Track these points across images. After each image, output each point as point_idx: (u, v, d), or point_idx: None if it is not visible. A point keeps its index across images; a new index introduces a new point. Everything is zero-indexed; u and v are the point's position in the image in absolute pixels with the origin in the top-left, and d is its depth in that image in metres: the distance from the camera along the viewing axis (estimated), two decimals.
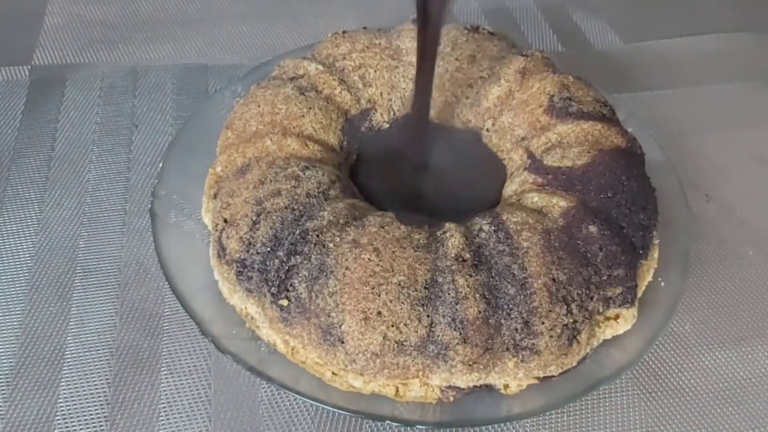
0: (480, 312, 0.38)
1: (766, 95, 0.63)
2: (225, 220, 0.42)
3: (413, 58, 0.51)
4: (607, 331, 0.42)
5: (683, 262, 0.45)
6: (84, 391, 0.41)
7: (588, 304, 0.39)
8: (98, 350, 0.43)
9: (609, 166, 0.44)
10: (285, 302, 0.39)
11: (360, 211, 0.42)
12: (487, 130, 0.50)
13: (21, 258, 0.47)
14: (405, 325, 0.37)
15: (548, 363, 0.39)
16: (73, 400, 0.40)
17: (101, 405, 0.40)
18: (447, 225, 0.41)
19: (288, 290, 0.39)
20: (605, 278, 0.40)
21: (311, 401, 0.38)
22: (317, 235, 0.39)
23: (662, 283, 0.44)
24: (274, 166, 0.43)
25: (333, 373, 0.40)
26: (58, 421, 0.40)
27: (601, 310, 0.41)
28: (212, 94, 0.56)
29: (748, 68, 0.66)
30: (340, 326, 0.38)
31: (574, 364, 0.41)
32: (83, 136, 0.55)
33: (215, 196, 0.44)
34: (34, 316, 0.44)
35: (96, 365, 0.42)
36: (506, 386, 0.40)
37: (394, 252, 0.38)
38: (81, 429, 0.39)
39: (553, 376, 0.40)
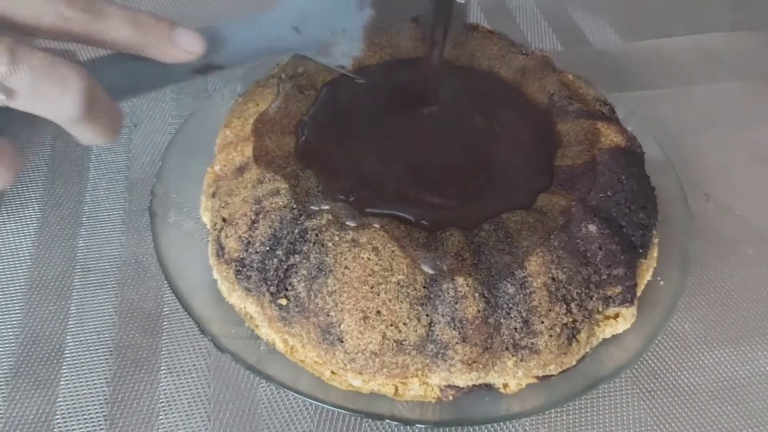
0: (479, 311, 0.38)
1: (765, 94, 0.63)
2: (224, 219, 0.42)
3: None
4: (607, 330, 0.42)
5: (683, 261, 0.45)
6: (83, 390, 0.41)
7: (587, 303, 0.39)
8: (97, 349, 0.43)
9: (608, 164, 0.44)
10: (284, 301, 0.39)
11: None
12: None
13: (20, 257, 0.47)
14: (404, 324, 0.37)
15: (548, 362, 0.39)
16: (73, 399, 0.40)
17: (100, 404, 0.40)
18: None
19: (287, 289, 0.39)
20: (605, 277, 0.40)
21: (310, 400, 0.38)
22: (316, 234, 0.39)
23: (661, 282, 0.44)
24: (273, 165, 0.43)
25: (332, 372, 0.40)
26: (57, 421, 0.40)
27: (600, 309, 0.41)
28: (211, 93, 0.56)
29: (747, 67, 0.66)
30: (339, 325, 0.38)
31: (574, 363, 0.41)
32: None
33: (214, 195, 0.44)
34: (33, 314, 0.44)
35: (95, 364, 0.42)
36: (505, 385, 0.40)
37: (393, 251, 0.38)
38: (80, 428, 0.39)
39: (552, 375, 0.40)
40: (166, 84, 0.38)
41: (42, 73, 0.30)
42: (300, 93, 0.47)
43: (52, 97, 0.31)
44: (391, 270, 0.38)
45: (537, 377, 0.40)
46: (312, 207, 0.40)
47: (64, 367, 0.42)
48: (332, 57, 0.44)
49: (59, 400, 0.40)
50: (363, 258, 0.38)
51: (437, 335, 0.37)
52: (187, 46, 0.35)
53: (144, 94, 0.40)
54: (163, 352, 0.43)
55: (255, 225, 0.40)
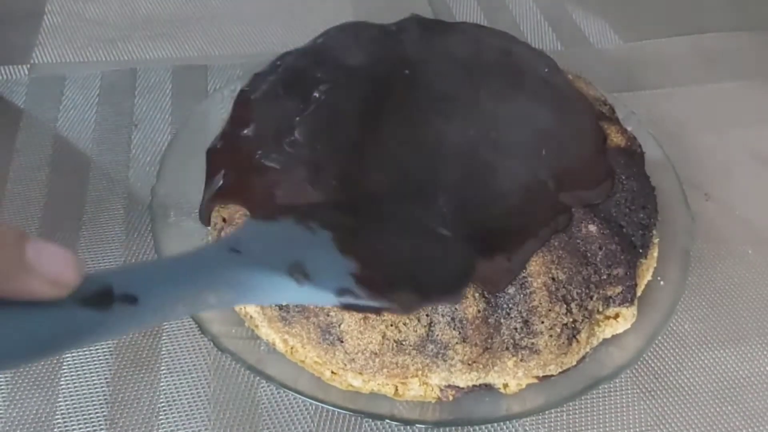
0: (479, 311, 0.38)
1: (765, 94, 0.63)
2: (224, 219, 0.42)
3: None
4: (607, 330, 0.42)
5: (683, 261, 0.45)
6: (83, 390, 0.41)
7: (587, 303, 0.39)
8: (97, 349, 0.42)
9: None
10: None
11: None
12: None
13: None
14: (404, 324, 0.37)
15: (548, 362, 0.39)
16: (73, 400, 0.40)
17: (101, 404, 0.40)
18: None
19: None
20: (605, 277, 0.40)
21: (310, 400, 0.38)
22: None
23: (662, 282, 0.44)
24: None
25: (332, 372, 0.40)
26: (57, 421, 0.39)
27: (600, 309, 0.41)
28: (211, 93, 0.56)
29: (747, 67, 0.66)
30: (339, 325, 0.38)
31: (574, 363, 0.40)
32: (82, 135, 0.55)
33: None
34: None
35: (95, 364, 0.42)
36: (505, 385, 0.40)
37: None
38: (80, 428, 0.39)
39: (552, 376, 0.40)
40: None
41: None
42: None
43: None
44: None
45: (537, 377, 0.40)
46: None
47: (64, 366, 0.42)
48: (322, 282, 0.28)
49: (59, 400, 0.40)
50: None
51: (437, 335, 0.37)
52: (52, 270, 0.21)
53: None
54: (163, 352, 0.43)
55: None
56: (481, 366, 0.38)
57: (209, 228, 0.44)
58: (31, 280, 0.20)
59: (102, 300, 0.22)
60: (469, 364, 0.38)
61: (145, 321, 0.23)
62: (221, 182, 0.41)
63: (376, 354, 0.37)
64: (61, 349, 0.22)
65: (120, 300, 0.22)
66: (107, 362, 0.42)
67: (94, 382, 0.41)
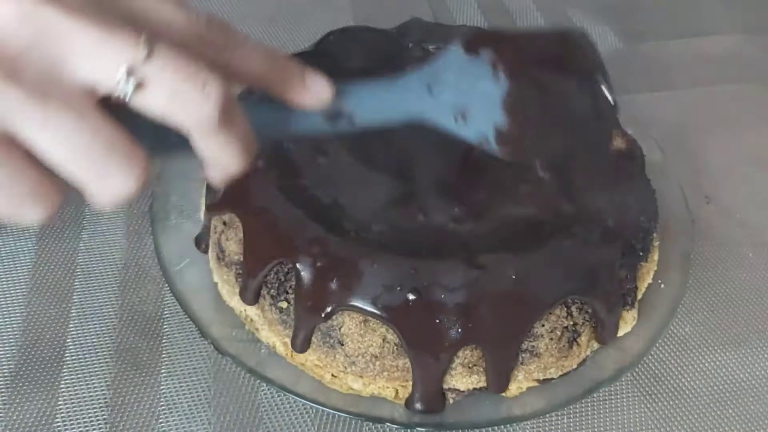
0: None
1: (765, 97, 0.63)
2: (224, 223, 0.42)
3: None
4: None
5: (683, 264, 0.45)
6: (84, 393, 0.41)
7: (588, 306, 0.39)
8: (98, 352, 0.42)
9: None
10: (284, 304, 0.39)
11: None
12: None
13: (21, 260, 0.47)
14: None
15: (548, 365, 0.39)
16: (73, 403, 0.40)
17: (101, 407, 0.40)
18: None
19: (287, 292, 0.39)
20: None
21: (311, 403, 0.38)
22: None
23: (662, 285, 0.44)
24: None
25: (332, 375, 0.40)
26: (58, 424, 0.39)
27: None
28: None
29: (747, 70, 0.66)
30: (340, 328, 0.38)
31: (574, 366, 0.40)
32: None
33: None
34: (34, 318, 0.44)
35: (96, 367, 0.42)
36: None
37: None
38: (81, 431, 0.39)
39: (553, 379, 0.40)
40: (295, 131, 0.33)
41: (180, 69, 0.26)
42: None
43: (189, 95, 0.26)
44: None
45: (538, 380, 0.40)
46: None
47: (64, 370, 0.42)
48: (473, 125, 0.33)
49: (60, 403, 0.40)
50: None
51: None
52: (317, 92, 0.31)
53: (273, 139, 0.36)
54: (163, 355, 0.43)
55: None
56: (481, 369, 0.38)
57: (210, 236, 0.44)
58: (305, 94, 0.30)
59: (336, 116, 0.32)
60: (469, 367, 0.38)
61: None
62: (219, 192, 0.42)
63: (376, 357, 0.37)
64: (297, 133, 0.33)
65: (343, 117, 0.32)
66: (107, 365, 0.42)
67: (95, 385, 0.41)
